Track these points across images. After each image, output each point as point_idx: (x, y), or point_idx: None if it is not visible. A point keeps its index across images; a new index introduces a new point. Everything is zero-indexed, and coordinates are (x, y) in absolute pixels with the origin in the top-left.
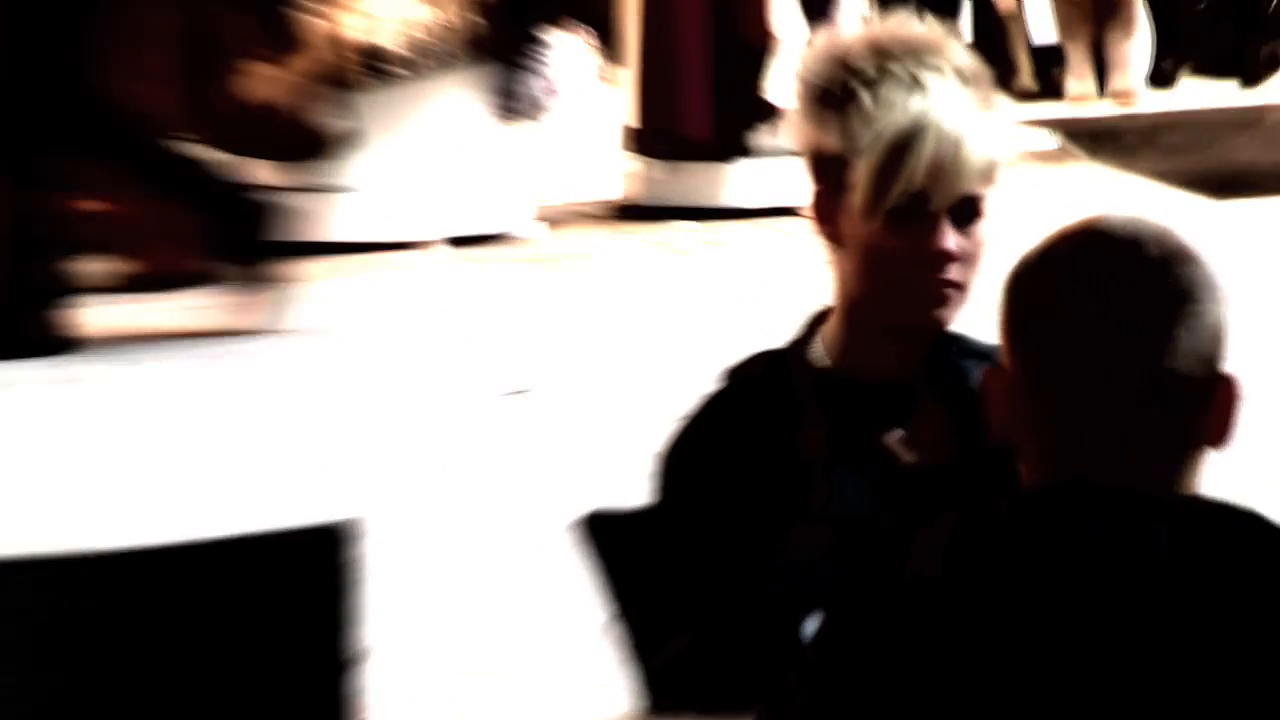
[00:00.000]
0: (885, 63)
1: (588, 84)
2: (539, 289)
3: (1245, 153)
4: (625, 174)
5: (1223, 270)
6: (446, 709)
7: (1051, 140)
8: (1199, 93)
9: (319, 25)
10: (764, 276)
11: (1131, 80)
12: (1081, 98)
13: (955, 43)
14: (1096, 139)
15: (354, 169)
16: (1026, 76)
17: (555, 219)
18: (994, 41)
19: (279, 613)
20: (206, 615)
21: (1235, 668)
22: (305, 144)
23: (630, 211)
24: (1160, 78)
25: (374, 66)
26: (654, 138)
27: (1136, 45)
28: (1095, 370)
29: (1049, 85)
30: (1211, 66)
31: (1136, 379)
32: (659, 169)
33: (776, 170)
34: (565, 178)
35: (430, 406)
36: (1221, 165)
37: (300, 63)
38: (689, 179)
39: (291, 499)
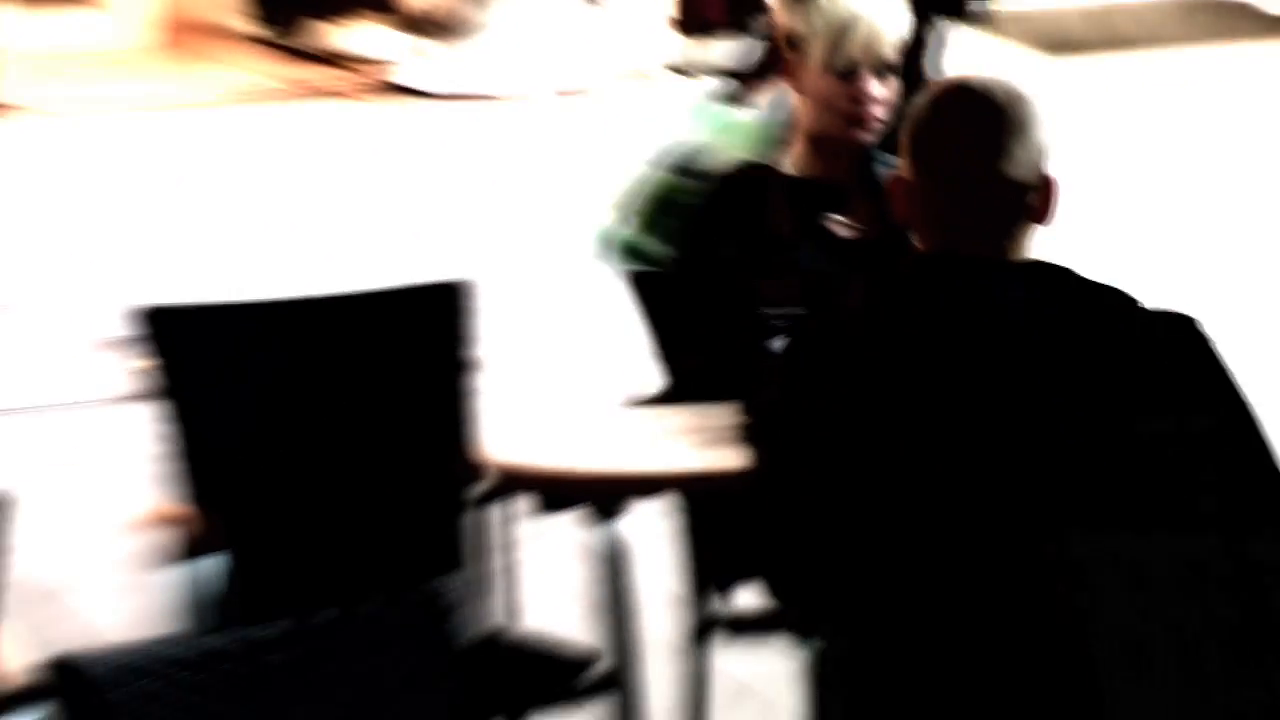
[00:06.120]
0: None
1: None
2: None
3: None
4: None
5: (1053, 113)
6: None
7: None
8: None
9: None
10: None
11: None
12: None
13: None
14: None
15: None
16: None
17: None
18: None
19: (418, 347)
20: (369, 351)
21: (1062, 374)
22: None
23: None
24: None
25: None
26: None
27: None
28: (966, 174)
29: None
30: None
31: (992, 180)
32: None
33: None
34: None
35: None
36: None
37: None
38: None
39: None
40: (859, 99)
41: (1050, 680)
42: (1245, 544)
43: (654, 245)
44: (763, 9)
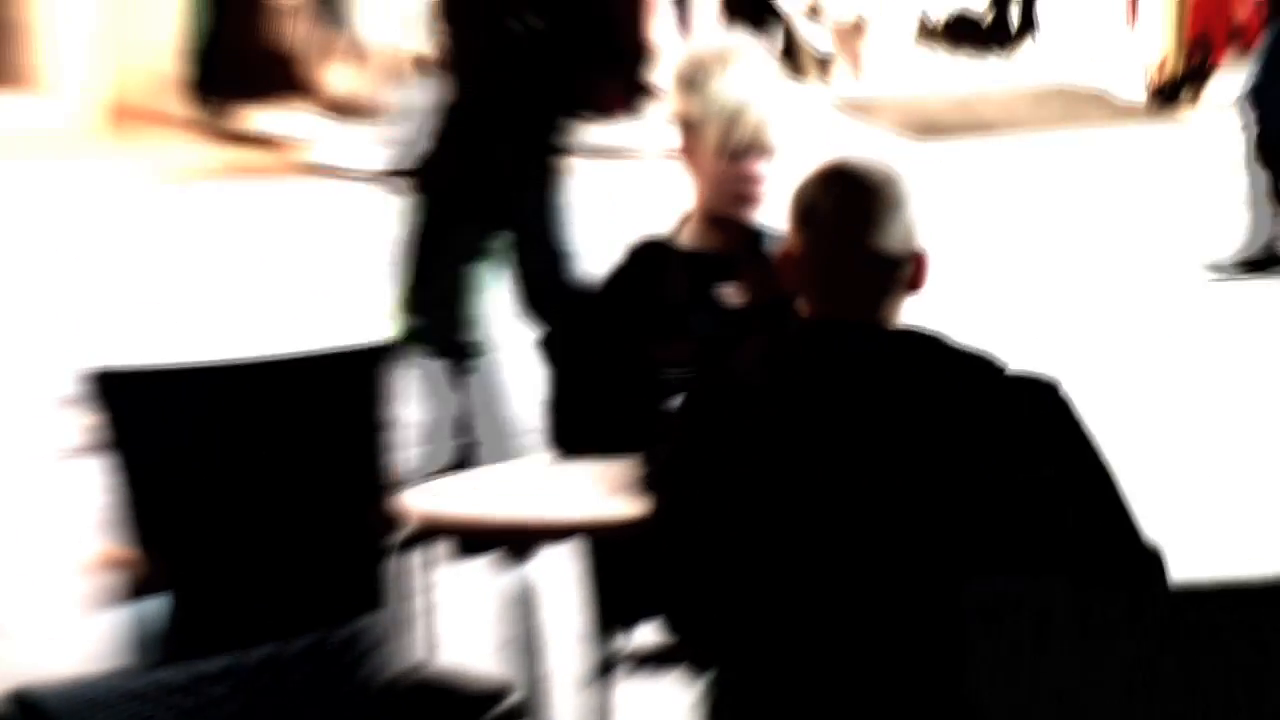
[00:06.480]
0: (723, 66)
1: None
2: None
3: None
4: None
5: (923, 192)
6: None
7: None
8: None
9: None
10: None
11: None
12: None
13: (763, 51)
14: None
15: None
16: (810, 71)
17: None
18: (790, 46)
19: (341, 405)
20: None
21: (931, 428)
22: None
23: None
24: None
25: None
26: None
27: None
28: (843, 248)
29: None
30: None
31: (868, 254)
32: None
33: None
34: None
35: None
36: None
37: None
38: None
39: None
40: (747, 179)
41: (919, 709)
42: (1101, 598)
43: (414, 320)
44: (652, 94)
